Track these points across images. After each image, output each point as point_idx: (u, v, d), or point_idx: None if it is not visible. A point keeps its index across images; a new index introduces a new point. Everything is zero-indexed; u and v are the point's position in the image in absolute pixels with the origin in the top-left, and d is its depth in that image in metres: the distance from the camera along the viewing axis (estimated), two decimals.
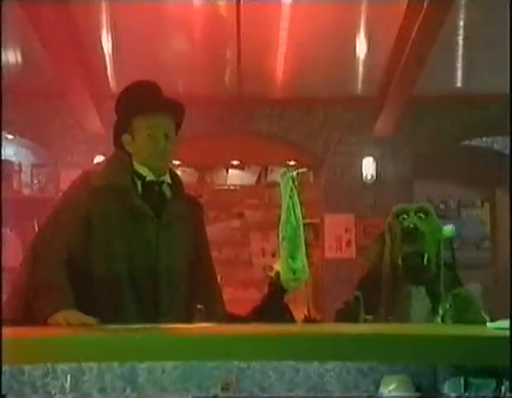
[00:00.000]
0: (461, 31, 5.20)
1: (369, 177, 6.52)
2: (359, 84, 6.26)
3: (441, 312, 2.45)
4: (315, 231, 6.73)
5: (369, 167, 6.53)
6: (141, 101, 2.50)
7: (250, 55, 5.46)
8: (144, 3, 4.67)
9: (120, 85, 2.67)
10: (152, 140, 2.50)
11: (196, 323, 2.37)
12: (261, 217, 7.10)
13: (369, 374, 1.73)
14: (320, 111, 6.60)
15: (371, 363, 1.71)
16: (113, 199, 2.44)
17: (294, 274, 2.13)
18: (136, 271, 2.42)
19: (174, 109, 2.56)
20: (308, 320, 2.45)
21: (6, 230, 5.74)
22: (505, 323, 1.80)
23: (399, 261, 2.50)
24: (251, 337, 1.66)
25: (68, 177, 4.46)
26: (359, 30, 5.24)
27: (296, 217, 2.14)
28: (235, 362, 1.71)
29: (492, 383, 1.62)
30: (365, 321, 2.46)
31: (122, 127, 2.55)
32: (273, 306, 2.21)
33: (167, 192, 2.56)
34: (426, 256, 2.47)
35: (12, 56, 5.45)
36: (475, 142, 7.19)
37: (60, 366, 1.71)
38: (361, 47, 5.51)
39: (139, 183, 2.51)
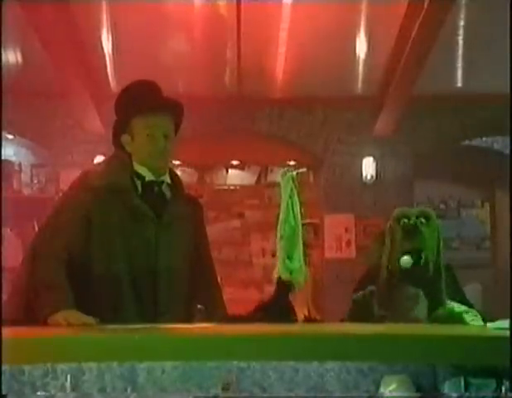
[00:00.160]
0: (461, 31, 5.20)
1: (369, 177, 6.52)
2: (359, 84, 6.26)
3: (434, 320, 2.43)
4: (315, 231, 6.74)
5: (369, 167, 6.53)
6: (140, 101, 2.50)
7: (250, 55, 5.46)
8: (144, 3, 4.67)
9: (120, 85, 2.67)
10: (151, 140, 2.50)
11: (196, 323, 2.37)
12: (261, 217, 7.10)
13: (369, 374, 1.73)
14: (320, 111, 6.60)
15: (371, 363, 1.71)
16: (112, 199, 2.44)
17: (291, 274, 2.12)
18: (136, 271, 2.42)
19: (173, 109, 2.56)
20: (308, 320, 2.44)
21: (6, 230, 5.74)
22: (505, 323, 1.80)
23: (399, 261, 2.49)
24: (251, 337, 1.66)
25: (68, 177, 4.46)
26: (359, 30, 5.24)
27: (295, 217, 2.14)
28: (235, 362, 1.71)
29: (492, 383, 1.62)
30: (379, 316, 2.45)
31: (121, 127, 2.55)
32: (280, 305, 2.21)
33: (167, 192, 2.56)
34: (424, 255, 2.47)
35: (12, 56, 5.45)
36: (475, 142, 7.19)
37: (60, 366, 1.71)
38: (361, 47, 5.51)
39: (139, 183, 2.51)
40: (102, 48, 5.42)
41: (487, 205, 7.78)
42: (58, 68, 5.28)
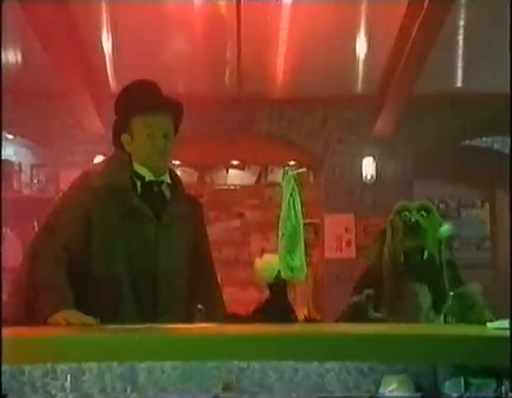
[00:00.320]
0: (461, 31, 5.20)
1: (369, 177, 6.52)
2: (359, 84, 6.26)
3: (443, 311, 2.45)
4: (315, 231, 6.74)
5: (369, 167, 6.53)
6: (140, 101, 2.50)
7: (250, 55, 5.46)
8: (144, 3, 4.67)
9: (120, 85, 2.67)
10: (151, 140, 2.50)
11: (196, 323, 2.37)
12: (261, 217, 7.10)
13: (370, 374, 1.73)
14: (320, 111, 6.60)
15: (371, 363, 1.71)
16: (112, 199, 2.43)
17: (292, 271, 2.12)
18: (135, 271, 2.42)
19: (173, 109, 2.56)
20: (308, 320, 2.44)
21: (6, 230, 5.74)
22: (505, 323, 1.80)
23: (401, 258, 2.50)
24: (251, 337, 1.66)
25: (68, 177, 4.47)
26: (359, 29, 5.24)
27: (296, 215, 2.14)
28: (235, 362, 1.71)
29: (492, 383, 1.62)
30: (375, 319, 2.45)
31: (121, 126, 2.55)
32: (278, 304, 2.21)
33: (167, 192, 2.56)
34: (426, 252, 2.47)
35: (12, 56, 5.45)
36: (475, 142, 7.19)
37: (60, 366, 1.71)
38: (361, 47, 5.51)
39: (139, 183, 2.51)
40: (102, 48, 5.42)
41: (487, 205, 7.78)
42: (58, 68, 5.28)
